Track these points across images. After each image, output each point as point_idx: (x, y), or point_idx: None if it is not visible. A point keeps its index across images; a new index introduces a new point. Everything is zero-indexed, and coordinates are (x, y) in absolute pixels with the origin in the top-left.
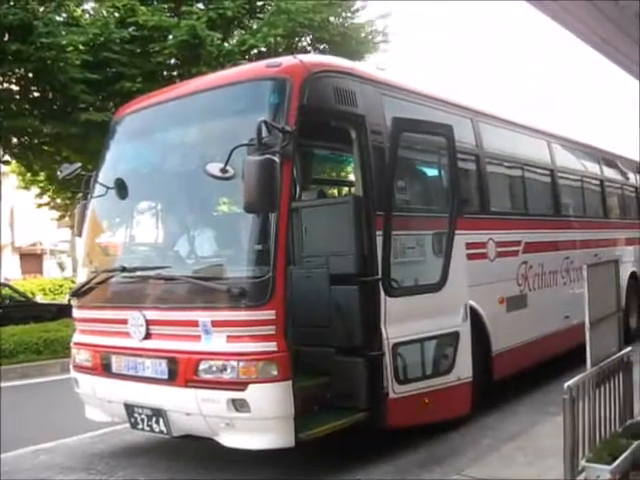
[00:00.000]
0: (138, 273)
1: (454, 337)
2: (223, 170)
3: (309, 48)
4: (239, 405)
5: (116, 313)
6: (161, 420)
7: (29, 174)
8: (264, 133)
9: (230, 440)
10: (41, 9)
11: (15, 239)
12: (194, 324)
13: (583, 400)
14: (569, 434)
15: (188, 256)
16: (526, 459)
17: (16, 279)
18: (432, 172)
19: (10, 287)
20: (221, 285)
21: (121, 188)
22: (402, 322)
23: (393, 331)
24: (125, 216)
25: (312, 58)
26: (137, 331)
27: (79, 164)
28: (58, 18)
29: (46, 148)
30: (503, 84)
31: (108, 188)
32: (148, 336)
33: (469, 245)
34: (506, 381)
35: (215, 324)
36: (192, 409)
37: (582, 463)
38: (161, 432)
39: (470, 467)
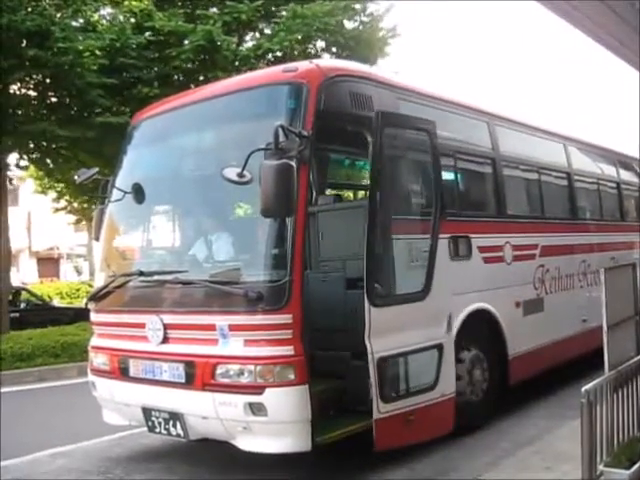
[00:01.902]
0: (156, 277)
1: (438, 350)
2: (240, 175)
3: (323, 52)
4: (256, 409)
5: (134, 317)
6: (178, 424)
7: (46, 178)
8: (281, 138)
9: (247, 444)
10: (58, 15)
11: (32, 243)
12: (211, 328)
13: (601, 404)
14: (587, 438)
15: (206, 260)
16: (543, 463)
17: (33, 283)
18: (416, 172)
19: (28, 291)
20: (238, 289)
21: (138, 193)
22: (387, 334)
23: (378, 344)
24: (142, 220)
25: (328, 63)
26: (155, 335)
27: (96, 169)
28: (75, 24)
29: (63, 152)
30: (511, 82)
31: (125, 193)
32: (165, 340)
33: (484, 249)
34: (523, 384)
35: (232, 328)
36: (209, 413)
37: (600, 467)
38: (178, 436)
39: (486, 472)
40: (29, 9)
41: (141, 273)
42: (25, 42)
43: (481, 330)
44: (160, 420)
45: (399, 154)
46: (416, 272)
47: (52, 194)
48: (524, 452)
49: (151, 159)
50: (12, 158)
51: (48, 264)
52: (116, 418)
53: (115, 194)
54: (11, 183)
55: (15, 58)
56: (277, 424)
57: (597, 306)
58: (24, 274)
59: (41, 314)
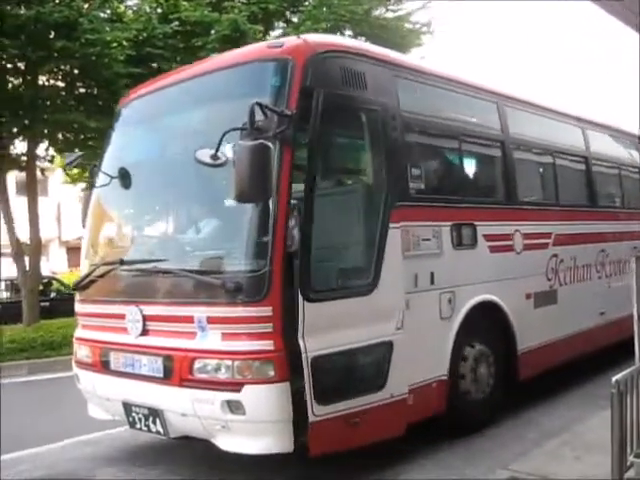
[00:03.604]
0: (135, 266)
1: (387, 348)
2: (214, 157)
3: None
4: (234, 407)
5: (114, 308)
6: (158, 420)
7: (75, 169)
8: (258, 116)
9: (226, 443)
10: (86, 6)
11: (62, 233)
12: (190, 320)
13: (631, 394)
14: (617, 429)
15: (185, 248)
16: (573, 454)
17: (63, 272)
18: (366, 156)
19: (58, 280)
20: (216, 279)
21: (119, 177)
22: (324, 331)
23: (313, 342)
24: (124, 207)
25: (318, 37)
26: (134, 327)
27: (82, 153)
28: (102, 15)
29: (91, 143)
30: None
31: (112, 177)
32: (145, 332)
33: (490, 237)
34: (553, 374)
35: (210, 320)
36: (187, 410)
37: (630, 459)
38: (158, 433)
39: (515, 462)
40: (57, 1)
41: (122, 262)
42: (53, 34)
43: (487, 323)
44: (140, 416)
45: (337, 136)
46: (360, 264)
47: (81, 184)
48: (553, 442)
49: (132, 142)
50: (41, 149)
51: (78, 253)
52: (100, 412)
53: (99, 179)
54: (43, 174)
55: (44, 50)
56: (256, 423)
57: (616, 298)
58: (54, 264)
59: (71, 304)
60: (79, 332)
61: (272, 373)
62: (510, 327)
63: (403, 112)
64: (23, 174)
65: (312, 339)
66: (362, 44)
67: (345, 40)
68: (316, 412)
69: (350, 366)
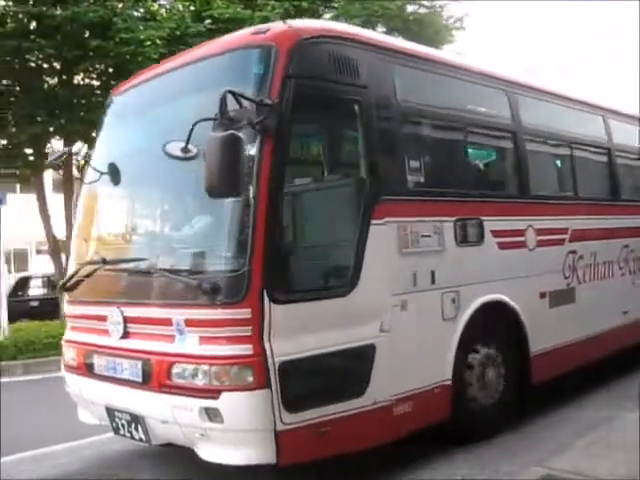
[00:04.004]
0: (116, 266)
1: (369, 351)
2: (185, 149)
3: None
4: (212, 415)
5: (97, 309)
6: (139, 427)
7: None
8: (233, 106)
9: (207, 453)
10: (120, 6)
11: None
12: (168, 322)
13: None
14: None
15: (165, 247)
16: (605, 452)
17: None
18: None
19: None
20: (192, 280)
21: (105, 173)
22: (293, 335)
23: (281, 347)
24: (110, 203)
25: (305, 23)
26: (115, 329)
27: (66, 149)
28: (136, 14)
29: None
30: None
31: (101, 173)
32: (126, 335)
33: (499, 233)
34: (584, 372)
35: (188, 323)
36: (167, 416)
37: None
38: (140, 440)
39: (549, 459)
40: (92, 0)
41: (104, 261)
42: (88, 33)
43: (496, 324)
44: (123, 422)
45: (321, 128)
46: (336, 264)
47: None
48: (587, 440)
49: (118, 137)
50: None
51: None
52: (89, 417)
53: (89, 175)
54: (80, 172)
55: (79, 49)
56: (235, 432)
57: None
58: None
59: None
60: (67, 334)
61: (251, 379)
62: (522, 328)
63: (401, 101)
64: (59, 172)
65: (280, 343)
66: (356, 29)
67: (336, 25)
68: (285, 420)
69: (324, 371)
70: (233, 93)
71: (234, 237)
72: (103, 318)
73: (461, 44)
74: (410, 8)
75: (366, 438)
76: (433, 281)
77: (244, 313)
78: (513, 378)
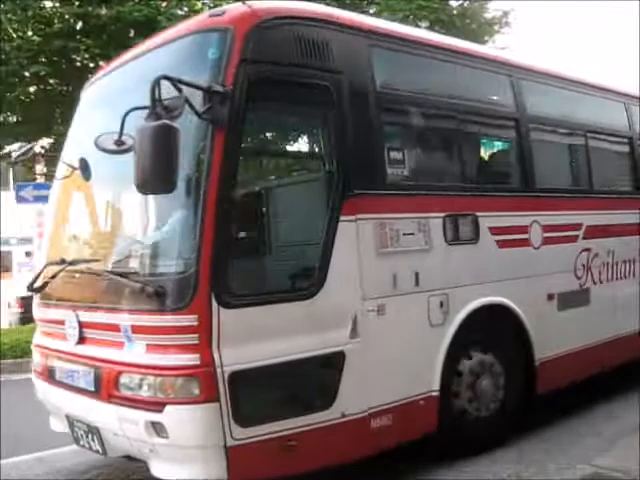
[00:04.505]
0: (75, 267)
1: (336, 360)
2: (118, 142)
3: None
4: (158, 429)
5: (57, 312)
6: (95, 438)
7: None
8: (168, 93)
9: (156, 468)
10: (164, 4)
11: None
12: (117, 328)
13: None
14: None
15: (116, 247)
16: None
17: None
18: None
19: None
20: (136, 283)
21: (74, 168)
22: (247, 342)
23: (232, 355)
24: (75, 200)
25: (268, 3)
26: (72, 334)
27: (30, 145)
28: (179, 12)
29: None
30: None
31: (72, 168)
32: (82, 340)
33: (498, 230)
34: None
35: (135, 330)
36: (117, 429)
37: None
38: (97, 452)
39: (598, 457)
40: (137, 0)
41: (62, 262)
42: (133, 32)
43: (495, 330)
44: (82, 432)
45: (282, 117)
46: (297, 265)
47: None
48: (635, 437)
49: (83, 129)
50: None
51: None
52: (59, 425)
53: (60, 170)
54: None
55: (124, 48)
56: (180, 448)
57: None
58: None
59: None
60: (35, 338)
61: (197, 392)
62: (525, 333)
63: (381, 87)
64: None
65: (230, 351)
66: (327, 9)
67: (304, 5)
68: (236, 435)
69: (283, 382)
70: (170, 79)
71: (181, 237)
72: (62, 322)
73: (506, 40)
74: (454, 3)
75: (337, 453)
76: (417, 283)
77: (190, 319)
78: (516, 387)
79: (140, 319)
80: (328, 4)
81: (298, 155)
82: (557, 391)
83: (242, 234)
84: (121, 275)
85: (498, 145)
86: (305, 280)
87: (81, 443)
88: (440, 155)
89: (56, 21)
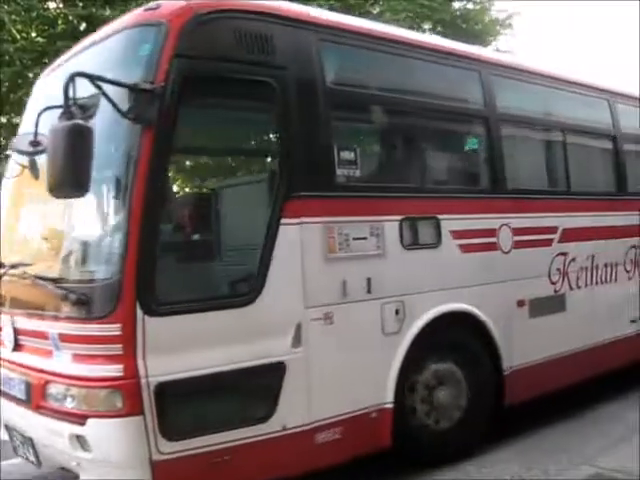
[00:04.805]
0: (14, 271)
1: (275, 371)
2: (34, 143)
3: (430, 32)
4: (82, 442)
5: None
6: (30, 448)
7: None
8: (84, 92)
9: None
10: None
11: None
12: (47, 337)
13: None
14: None
15: (48, 250)
16: None
17: None
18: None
19: None
20: (62, 290)
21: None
22: (175, 352)
23: (158, 366)
24: (18, 201)
25: None
26: (8, 340)
27: None
28: None
29: None
30: None
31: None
32: (17, 347)
33: (462, 234)
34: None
35: (62, 338)
36: (46, 440)
37: None
38: (33, 463)
39: (599, 457)
40: (139, 1)
41: (1, 265)
42: None
43: (458, 337)
44: (18, 442)
45: (217, 116)
46: (233, 270)
47: None
48: (637, 438)
49: (25, 129)
50: None
51: None
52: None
53: (10, 168)
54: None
55: None
56: (104, 464)
57: None
58: None
59: None
60: None
61: (120, 405)
62: (493, 341)
63: (332, 83)
64: None
65: (157, 362)
66: (272, 3)
67: None
68: (163, 450)
69: (216, 394)
70: (86, 76)
71: (106, 243)
72: (1, 328)
73: (509, 42)
74: (457, 4)
75: (277, 468)
76: (369, 290)
77: (113, 329)
78: (484, 398)
79: (67, 327)
80: (332, 5)
81: (238, 155)
82: (529, 402)
83: (171, 239)
84: (49, 281)
85: (464, 144)
86: (241, 286)
87: (19, 453)
88: (398, 155)
89: (60, 22)
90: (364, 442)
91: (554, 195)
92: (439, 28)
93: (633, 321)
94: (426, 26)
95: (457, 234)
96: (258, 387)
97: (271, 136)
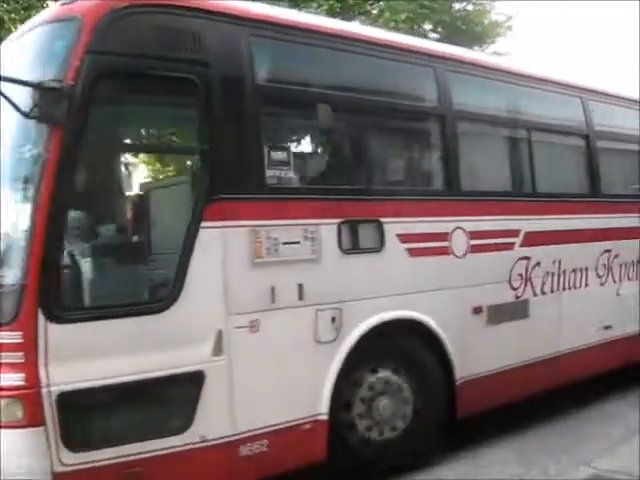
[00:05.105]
0: None
1: (193, 380)
2: None
3: (430, 33)
4: None
5: None
6: None
7: None
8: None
9: None
10: None
11: None
12: None
13: None
14: None
15: None
16: None
17: None
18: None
19: None
20: None
21: None
22: (82, 360)
23: (62, 375)
24: None
25: None
26: None
27: None
28: None
29: None
30: None
31: None
32: None
33: (409, 237)
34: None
35: None
36: None
37: None
38: None
39: (599, 459)
40: None
41: None
42: None
43: (404, 345)
44: None
45: (132, 116)
46: (148, 274)
47: None
48: (637, 439)
49: None
50: None
51: None
52: None
53: None
54: None
55: None
56: (4, 475)
57: (631, 309)
58: None
59: None
60: None
61: (20, 415)
62: (443, 349)
63: (264, 80)
64: None
65: (60, 371)
66: None
67: None
68: (65, 461)
69: (126, 403)
70: None
71: (9, 247)
72: None
73: (509, 45)
74: (457, 5)
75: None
76: (301, 297)
77: (15, 336)
78: (434, 408)
79: None
80: (332, 5)
81: (158, 155)
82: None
83: (78, 244)
84: None
85: (413, 143)
86: (154, 293)
87: None
88: (338, 155)
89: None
90: (296, 455)
91: (516, 197)
92: (439, 29)
93: (607, 327)
94: (427, 27)
95: (404, 238)
96: (173, 397)
97: (192, 136)
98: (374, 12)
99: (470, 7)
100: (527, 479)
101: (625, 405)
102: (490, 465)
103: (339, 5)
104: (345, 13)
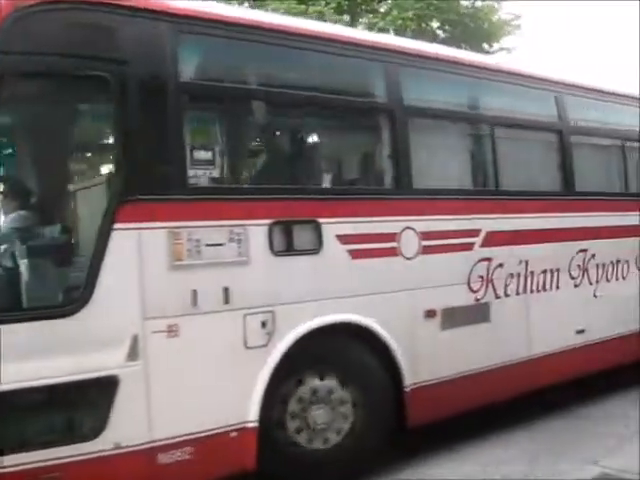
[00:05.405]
0: None
1: (106, 385)
2: None
3: (438, 30)
4: None
5: None
6: None
7: None
8: None
9: None
10: None
11: None
12: None
13: None
14: None
15: None
16: None
17: None
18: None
19: None
20: None
21: None
22: None
23: None
24: None
25: None
26: None
27: None
28: None
29: None
30: None
31: None
32: None
33: (350, 238)
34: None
35: None
36: None
37: None
38: None
39: (606, 457)
40: None
41: None
42: None
43: (345, 350)
44: None
45: (44, 115)
46: (56, 277)
47: None
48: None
49: None
50: None
51: None
52: None
53: None
54: None
55: None
56: None
57: (609, 312)
58: None
59: None
60: None
61: None
62: (390, 355)
63: (188, 78)
64: None
65: None
66: None
67: None
68: None
69: (34, 407)
70: None
71: None
72: None
73: (513, 42)
74: (465, 3)
75: None
76: (227, 300)
77: None
78: (380, 417)
79: None
80: (340, 3)
81: (70, 156)
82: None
83: None
84: None
85: (357, 140)
86: (68, 295)
87: None
88: (270, 153)
89: None
90: (224, 463)
91: (475, 195)
92: (447, 27)
93: (580, 331)
94: (434, 24)
95: (345, 239)
96: (85, 402)
97: (105, 135)
98: (382, 10)
99: (479, 3)
100: (532, 479)
101: (631, 404)
102: (496, 464)
103: (347, 2)
104: (353, 11)
